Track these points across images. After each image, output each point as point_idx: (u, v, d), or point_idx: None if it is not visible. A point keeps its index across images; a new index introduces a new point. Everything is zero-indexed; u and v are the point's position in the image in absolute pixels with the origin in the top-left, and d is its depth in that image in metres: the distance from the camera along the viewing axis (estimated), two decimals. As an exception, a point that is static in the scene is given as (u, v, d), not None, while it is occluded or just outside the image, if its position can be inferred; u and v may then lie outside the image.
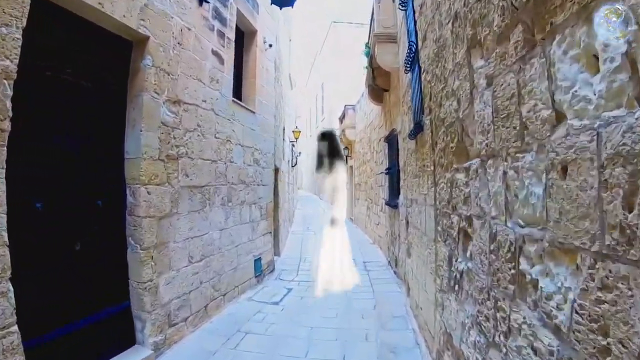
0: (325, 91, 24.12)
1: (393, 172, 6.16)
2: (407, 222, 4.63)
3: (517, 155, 1.37)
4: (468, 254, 2.06)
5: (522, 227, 1.36)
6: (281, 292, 5.37)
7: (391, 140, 6.42)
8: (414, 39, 3.58)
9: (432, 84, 2.89)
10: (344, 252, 8.29)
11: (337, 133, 16.06)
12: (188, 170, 3.94)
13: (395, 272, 6.21)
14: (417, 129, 3.49)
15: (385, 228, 7.36)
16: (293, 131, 11.08)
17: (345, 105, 12.99)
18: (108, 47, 3.16)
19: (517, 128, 1.36)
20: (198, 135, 4.15)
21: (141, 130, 3.27)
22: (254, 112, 5.63)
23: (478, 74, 1.80)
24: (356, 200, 12.49)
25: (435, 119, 2.81)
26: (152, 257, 3.33)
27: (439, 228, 2.77)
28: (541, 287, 1.25)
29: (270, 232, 6.33)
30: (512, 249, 1.43)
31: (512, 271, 1.44)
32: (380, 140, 7.93)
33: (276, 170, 7.39)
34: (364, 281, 6.08)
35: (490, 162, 1.65)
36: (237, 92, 5.62)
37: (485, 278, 1.76)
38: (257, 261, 5.71)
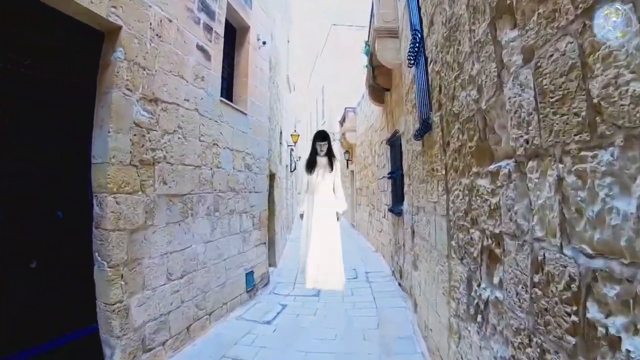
0: (325, 94, 23.78)
1: (396, 177, 5.74)
2: (413, 232, 4.19)
3: (583, 153, 0.94)
4: (495, 280, 1.63)
5: (590, 257, 0.94)
6: (275, 308, 4.93)
7: (394, 143, 6.00)
8: (418, 27, 3.18)
9: (442, 74, 2.48)
10: (345, 262, 7.83)
11: (337, 137, 15.66)
12: (166, 177, 3.53)
13: (399, 284, 5.76)
14: (424, 128, 3.07)
15: (388, 236, 6.92)
16: (291, 135, 10.69)
17: (346, 108, 12.61)
18: (75, 38, 2.77)
19: (583, 114, 0.94)
20: (179, 138, 3.75)
21: (109, 132, 2.86)
22: (245, 114, 5.23)
23: (509, 49, 1.39)
24: (358, 206, 12.06)
25: (447, 114, 2.39)
26: (122, 275, 2.91)
27: (453, 243, 2.34)
28: (627, 351, 0.83)
29: (265, 243, 5.90)
30: (574, 286, 1.01)
31: (573, 317, 1.02)
32: (382, 143, 7.51)
33: (272, 176, 6.98)
34: (366, 294, 5.63)
35: (532, 164, 1.22)
36: (228, 92, 5.23)
37: (524, 317, 1.33)
38: (249, 275, 5.27)
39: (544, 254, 1.16)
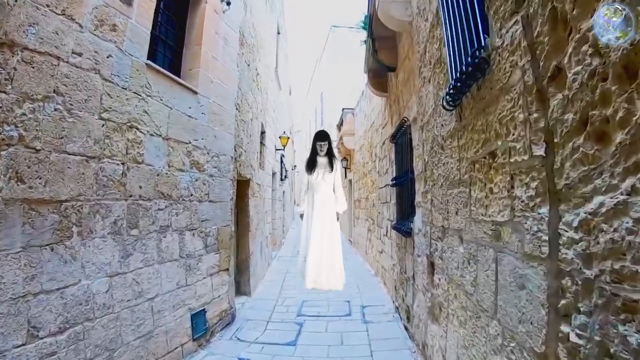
0: (324, 102, 22.48)
1: (404, 183, 4.25)
2: (433, 266, 2.70)
3: None
4: None
5: None
6: (228, 370, 3.41)
7: (400, 138, 4.54)
8: None
9: None
10: (338, 290, 6.31)
11: (335, 143, 14.24)
12: (25, 171, 2.09)
13: (406, 328, 4.23)
14: (473, 74, 1.60)
15: (391, 260, 5.40)
16: (280, 137, 9.25)
17: (344, 109, 11.20)
18: None
19: None
20: (56, 110, 2.30)
21: None
22: (195, 92, 3.78)
23: None
24: (356, 220, 10.54)
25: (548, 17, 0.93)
26: None
27: (574, 336, 0.84)
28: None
29: (226, 269, 4.39)
30: None
31: None
32: (384, 143, 6.05)
33: (243, 182, 5.52)
34: (360, 342, 4.10)
35: None
36: (173, 64, 3.81)
37: None
38: (198, 316, 3.76)
39: None
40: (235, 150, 4.71)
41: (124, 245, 2.86)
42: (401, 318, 4.54)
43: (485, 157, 1.55)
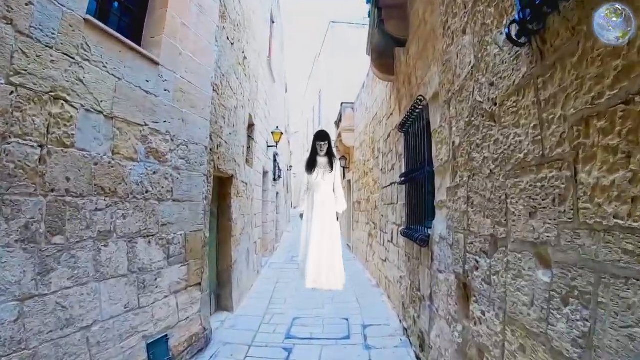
0: (322, 100, 21.72)
1: (418, 178, 3.47)
2: (468, 289, 1.92)
3: None
4: None
5: None
6: None
7: (411, 126, 3.77)
8: None
9: None
10: (336, 302, 5.52)
11: (333, 142, 13.49)
12: None
13: (418, 358, 3.44)
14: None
15: (397, 270, 4.61)
16: (273, 132, 8.46)
17: (342, 104, 10.42)
18: None
19: None
20: None
21: None
22: (155, 63, 3.00)
23: None
24: (355, 224, 9.76)
25: None
26: None
27: None
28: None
29: (198, 284, 3.59)
30: None
31: None
32: (389, 135, 5.29)
33: (226, 180, 4.73)
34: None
35: None
36: (131, 30, 3.04)
37: None
38: (157, 344, 2.96)
39: None
40: (212, 140, 3.92)
41: (42, 257, 2.07)
42: (411, 344, 3.75)
43: (619, 104, 0.78)
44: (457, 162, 2.14)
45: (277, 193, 11.57)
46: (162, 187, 3.09)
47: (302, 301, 5.50)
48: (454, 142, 2.20)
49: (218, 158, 4.12)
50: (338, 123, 11.57)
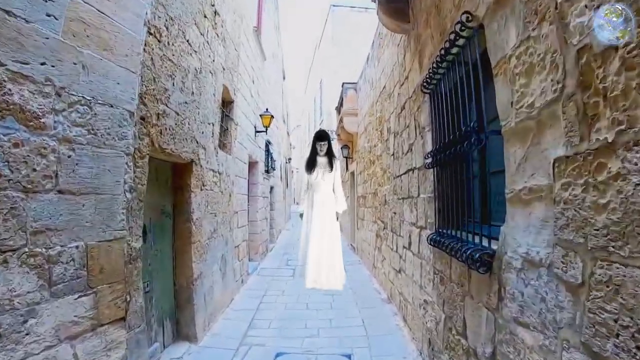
0: (323, 90, 20.37)
1: (460, 155, 2.14)
2: None
3: None
4: None
5: None
6: None
7: (443, 77, 2.48)
8: None
9: None
10: (337, 321, 4.28)
11: (334, 133, 12.23)
12: None
13: None
14: None
15: (420, 289, 3.34)
16: (261, 115, 7.17)
17: (344, 84, 9.11)
18: None
19: None
20: None
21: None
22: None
23: None
24: (360, 221, 8.48)
25: None
26: None
27: None
28: None
29: (121, 319, 2.32)
30: None
31: None
32: (403, 106, 4.00)
33: (182, 166, 3.47)
34: None
35: None
36: None
37: None
38: None
39: None
40: (145, 105, 2.65)
41: None
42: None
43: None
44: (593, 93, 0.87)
45: (272, 187, 10.31)
46: (35, 170, 1.82)
47: (291, 325, 4.25)
48: (578, 53, 0.92)
49: (160, 133, 2.85)
50: (339, 108, 10.26)
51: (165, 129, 3.00)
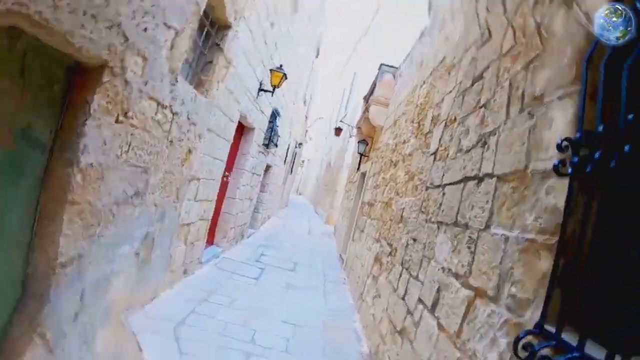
0: (355, 84, 18.67)
1: None
2: None
3: None
4: None
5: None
6: None
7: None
8: None
9: None
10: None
11: (354, 123, 10.65)
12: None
13: None
14: None
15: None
16: (271, 70, 5.62)
17: (381, 65, 7.47)
18: None
19: None
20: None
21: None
22: None
23: None
24: (358, 232, 6.89)
25: None
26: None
27: None
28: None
29: None
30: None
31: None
32: (481, 73, 2.40)
33: (93, 70, 1.92)
34: None
35: None
36: None
37: None
38: None
39: None
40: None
41: None
42: None
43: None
44: None
45: (269, 166, 8.78)
46: None
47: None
48: None
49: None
50: (368, 97, 8.65)
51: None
